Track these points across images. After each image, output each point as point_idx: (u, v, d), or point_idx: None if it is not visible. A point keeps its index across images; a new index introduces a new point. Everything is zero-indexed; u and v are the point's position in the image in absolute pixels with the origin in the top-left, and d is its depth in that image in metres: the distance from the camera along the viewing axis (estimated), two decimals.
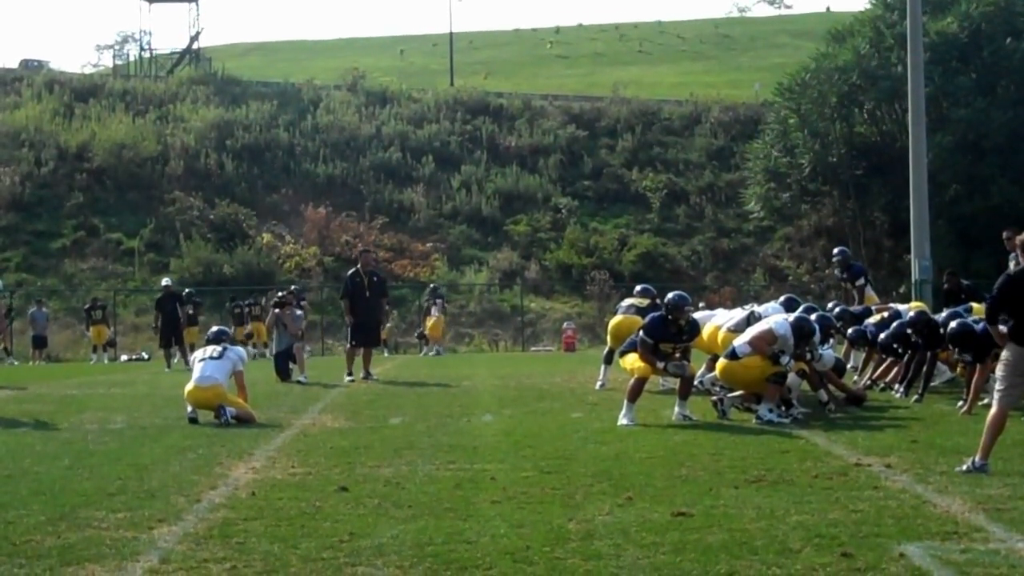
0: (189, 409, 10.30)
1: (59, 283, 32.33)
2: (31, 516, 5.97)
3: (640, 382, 9.67)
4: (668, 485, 6.53)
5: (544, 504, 6.04)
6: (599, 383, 12.75)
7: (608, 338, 12.94)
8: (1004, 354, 6.64)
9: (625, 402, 9.54)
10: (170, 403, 11.71)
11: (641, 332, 9.84)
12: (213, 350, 10.61)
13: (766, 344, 9.56)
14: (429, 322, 25.88)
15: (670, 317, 9.71)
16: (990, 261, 22.03)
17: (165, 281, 23.03)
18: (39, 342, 26.33)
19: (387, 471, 7.23)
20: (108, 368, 22.64)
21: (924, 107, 18.66)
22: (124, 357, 26.94)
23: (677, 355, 9.81)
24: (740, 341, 9.82)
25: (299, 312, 16.15)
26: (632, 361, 9.91)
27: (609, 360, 12.58)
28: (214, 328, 11.37)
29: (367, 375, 14.82)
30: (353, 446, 8.40)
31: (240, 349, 10.86)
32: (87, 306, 26.78)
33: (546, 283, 33.49)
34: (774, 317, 10.18)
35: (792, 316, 10.11)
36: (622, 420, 9.38)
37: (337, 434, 9.22)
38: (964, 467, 6.65)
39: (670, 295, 9.96)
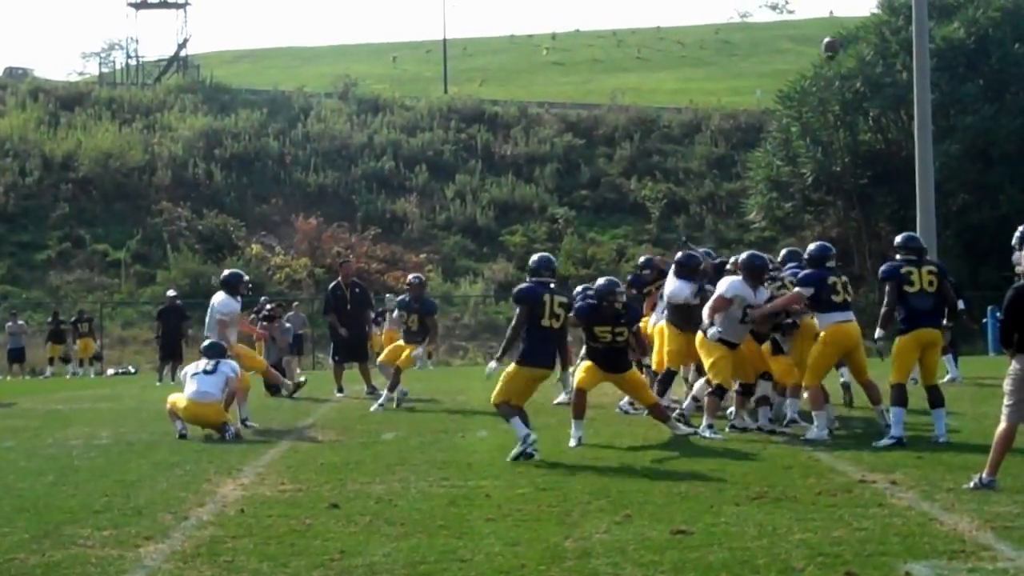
0: (179, 425, 10.12)
1: (44, 295, 32.11)
2: (15, 534, 5.88)
3: (581, 395, 9.07)
4: (667, 502, 6.42)
5: (540, 522, 5.95)
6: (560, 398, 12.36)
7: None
8: (1012, 367, 6.54)
9: (572, 421, 9.06)
10: (157, 418, 11.55)
11: (573, 316, 9.00)
12: (206, 364, 10.38)
13: (723, 308, 9.16)
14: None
15: (604, 303, 8.97)
16: (998, 272, 21.99)
17: (171, 292, 22.85)
18: (16, 355, 26.12)
19: (379, 488, 7.11)
20: (94, 382, 22.46)
21: (930, 115, 18.60)
22: (111, 371, 26.75)
23: (620, 339, 9.00)
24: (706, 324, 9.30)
25: (287, 325, 16.02)
26: (584, 367, 9.27)
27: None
28: (207, 340, 11.14)
29: (371, 390, 14.55)
30: (344, 462, 8.27)
31: (232, 362, 10.67)
32: (73, 319, 26.62)
33: None
34: (721, 283, 9.52)
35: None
36: (571, 443, 8.87)
37: (328, 450, 9.09)
38: (971, 484, 6.54)
39: (599, 281, 9.29)
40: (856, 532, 5.50)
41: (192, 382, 10.26)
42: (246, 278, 11.91)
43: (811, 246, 9.57)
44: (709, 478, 7.18)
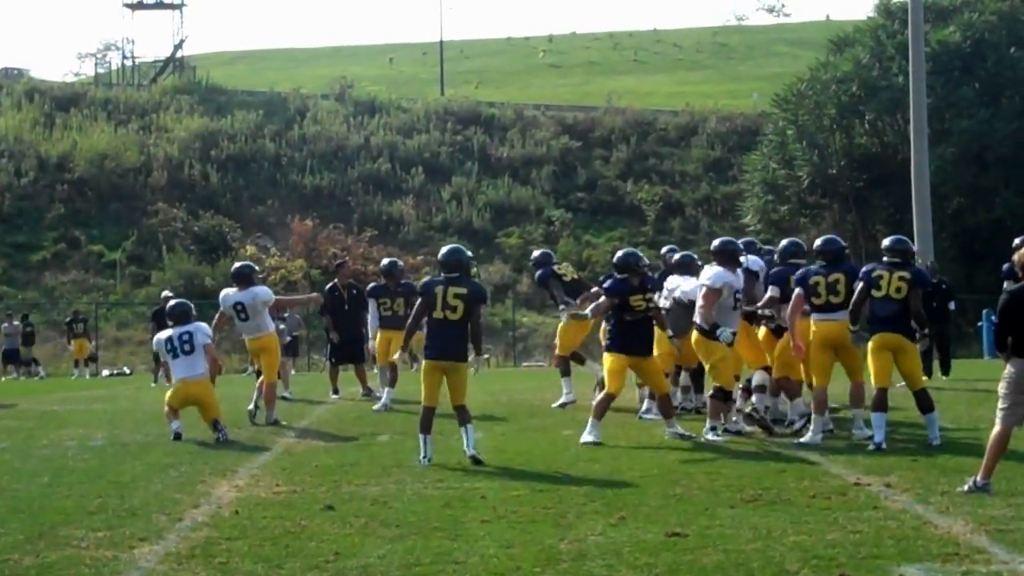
0: (175, 425, 10.10)
1: (40, 296, 32.06)
2: (9, 535, 5.88)
3: (608, 399, 9.22)
4: (662, 504, 6.42)
5: (535, 523, 5.95)
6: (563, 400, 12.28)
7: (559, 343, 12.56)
8: (1007, 370, 6.54)
9: (591, 419, 9.16)
10: (152, 419, 11.54)
11: (605, 298, 9.27)
12: (183, 342, 10.25)
13: (716, 301, 9.17)
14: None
15: (631, 273, 9.21)
16: (994, 276, 22.07)
17: (166, 293, 22.79)
18: (11, 356, 26.00)
19: (374, 489, 7.11)
20: (90, 383, 22.42)
21: (926, 118, 18.63)
22: (106, 372, 26.70)
23: (652, 304, 9.31)
24: (697, 317, 9.34)
25: (282, 326, 15.99)
26: (609, 364, 9.35)
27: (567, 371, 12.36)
28: (173, 301, 11.00)
29: (367, 392, 14.54)
30: (339, 464, 8.26)
31: (202, 324, 10.59)
32: (68, 319, 26.57)
33: (538, 297, 33.39)
34: (704, 276, 9.51)
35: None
36: (586, 437, 9.02)
37: (323, 451, 9.08)
38: (966, 487, 6.55)
39: (619, 254, 9.51)
40: (850, 535, 5.50)
41: (175, 366, 10.24)
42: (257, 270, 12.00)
43: (817, 240, 9.55)
44: (704, 481, 7.18)
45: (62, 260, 33.73)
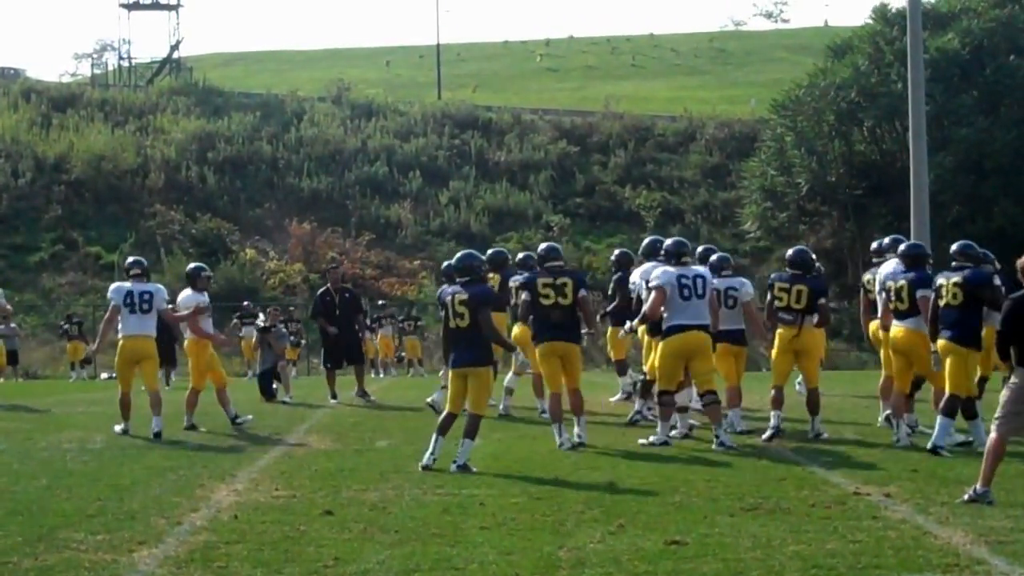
0: (120, 427, 10.28)
1: (37, 298, 31.98)
2: (8, 537, 5.86)
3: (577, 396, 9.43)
4: (661, 512, 6.41)
5: (534, 531, 5.94)
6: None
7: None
8: (1012, 380, 6.56)
9: (577, 419, 9.36)
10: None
11: (585, 292, 9.40)
12: (143, 300, 10.46)
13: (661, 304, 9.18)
14: (407, 343, 26.10)
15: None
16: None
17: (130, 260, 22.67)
18: (10, 358, 25.85)
19: (373, 495, 7.10)
20: (87, 386, 22.37)
21: (925, 125, 18.62)
22: (104, 375, 26.62)
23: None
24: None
25: (283, 330, 16.00)
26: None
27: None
28: (132, 258, 11.19)
29: (362, 394, 14.54)
30: (338, 469, 8.25)
31: (161, 288, 10.86)
32: (63, 322, 26.51)
33: None
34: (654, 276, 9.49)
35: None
36: (565, 445, 9.09)
37: (322, 456, 9.07)
38: (966, 496, 6.56)
39: (543, 247, 9.79)
40: (850, 545, 5.49)
41: (127, 319, 10.47)
42: (207, 272, 11.84)
43: (901, 245, 9.90)
44: (703, 488, 7.17)
45: (59, 262, 33.66)
